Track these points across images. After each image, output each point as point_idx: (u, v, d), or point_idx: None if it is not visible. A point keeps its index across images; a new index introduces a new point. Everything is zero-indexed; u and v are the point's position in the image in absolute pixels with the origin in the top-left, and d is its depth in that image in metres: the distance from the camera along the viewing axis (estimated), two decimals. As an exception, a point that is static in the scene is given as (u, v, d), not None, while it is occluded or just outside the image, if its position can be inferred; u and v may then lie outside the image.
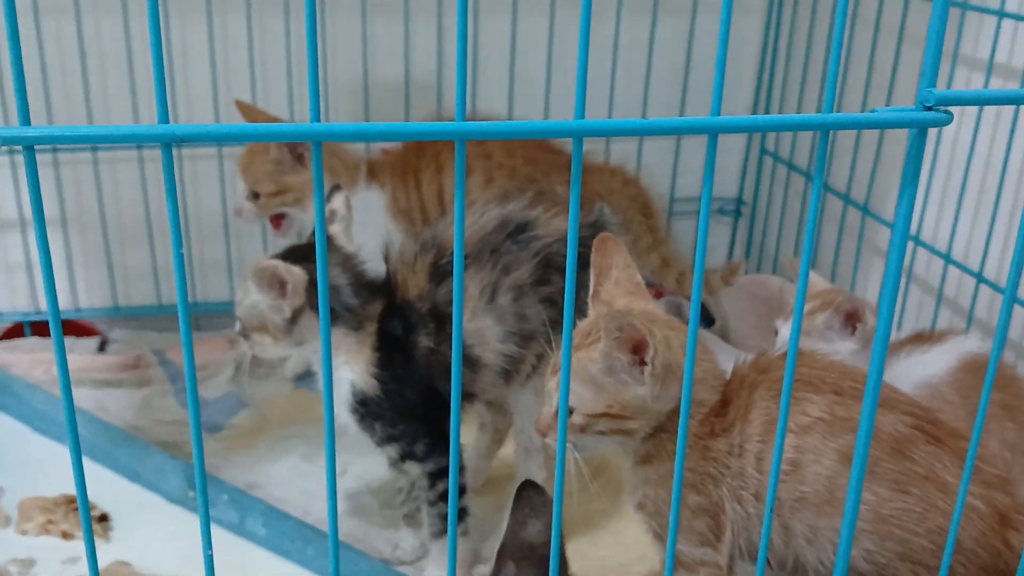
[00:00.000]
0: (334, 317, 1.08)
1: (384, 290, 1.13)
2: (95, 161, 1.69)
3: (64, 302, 1.76)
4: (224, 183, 1.72)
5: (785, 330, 1.37)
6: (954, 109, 0.58)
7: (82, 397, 1.52)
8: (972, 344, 1.28)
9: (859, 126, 0.59)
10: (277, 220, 1.56)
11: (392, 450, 1.14)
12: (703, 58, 1.84)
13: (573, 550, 0.93)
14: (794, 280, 1.58)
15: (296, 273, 1.03)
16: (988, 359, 1.23)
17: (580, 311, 1.19)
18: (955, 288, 1.47)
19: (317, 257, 0.54)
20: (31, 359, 1.62)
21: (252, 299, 1.06)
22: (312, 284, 1.05)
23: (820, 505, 0.90)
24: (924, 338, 1.33)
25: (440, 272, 1.12)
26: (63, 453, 1.42)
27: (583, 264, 1.18)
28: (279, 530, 1.23)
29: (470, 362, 1.13)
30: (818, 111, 1.72)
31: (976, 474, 0.87)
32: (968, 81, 1.44)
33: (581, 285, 1.18)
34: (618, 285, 1.00)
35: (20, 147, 0.50)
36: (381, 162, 1.55)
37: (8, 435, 1.45)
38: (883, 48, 1.57)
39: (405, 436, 1.13)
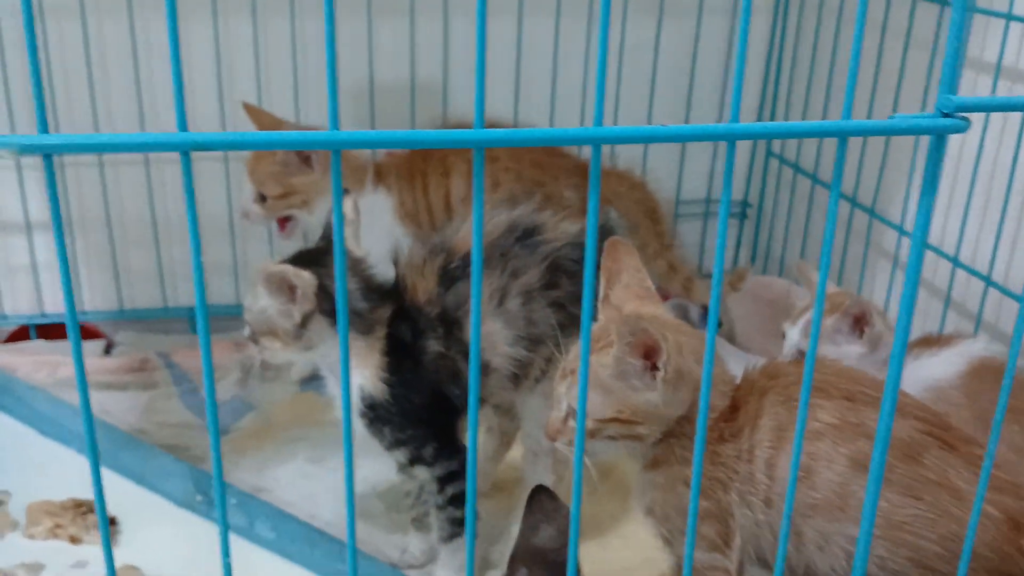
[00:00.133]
0: (343, 321, 1.08)
1: (393, 294, 1.12)
2: (100, 164, 1.69)
3: (69, 305, 1.76)
4: (230, 185, 1.72)
5: (793, 333, 1.36)
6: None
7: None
8: (980, 347, 1.28)
9: (877, 133, 0.59)
10: (283, 222, 1.56)
11: (401, 454, 1.14)
12: (708, 60, 1.84)
13: (582, 553, 0.93)
14: (800, 282, 1.58)
15: (306, 278, 1.03)
16: (997, 363, 1.24)
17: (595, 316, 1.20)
18: (963, 291, 1.47)
19: (336, 264, 0.54)
20: (35, 362, 1.62)
21: (261, 304, 1.06)
22: (321, 289, 1.05)
23: (832, 511, 0.89)
24: (932, 341, 1.33)
25: (449, 276, 1.12)
26: (68, 456, 1.43)
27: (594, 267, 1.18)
28: (287, 533, 1.23)
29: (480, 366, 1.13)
30: (824, 114, 1.73)
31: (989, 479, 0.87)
32: (975, 84, 1.44)
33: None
34: (628, 289, 1.00)
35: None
36: (388, 165, 1.55)
37: (13, 438, 1.45)
38: (889, 50, 1.57)
39: (414, 440, 1.12)
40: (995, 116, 1.39)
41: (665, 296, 1.71)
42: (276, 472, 1.41)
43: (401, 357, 1.11)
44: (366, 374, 1.10)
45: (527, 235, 1.16)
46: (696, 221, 1.94)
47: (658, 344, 0.88)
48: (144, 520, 1.28)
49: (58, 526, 1.25)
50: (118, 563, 1.19)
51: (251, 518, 1.26)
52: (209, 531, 1.28)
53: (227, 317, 1.80)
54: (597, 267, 1.17)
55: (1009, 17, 1.34)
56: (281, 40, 1.67)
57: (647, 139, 0.55)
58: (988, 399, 1.21)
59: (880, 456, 0.67)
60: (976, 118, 1.42)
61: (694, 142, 1.83)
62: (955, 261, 1.45)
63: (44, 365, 1.59)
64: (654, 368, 0.90)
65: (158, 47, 1.64)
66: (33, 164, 1.68)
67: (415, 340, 1.11)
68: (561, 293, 1.16)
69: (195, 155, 1.65)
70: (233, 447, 1.46)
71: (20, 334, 1.78)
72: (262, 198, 1.47)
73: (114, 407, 1.52)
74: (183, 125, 0.50)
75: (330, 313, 1.07)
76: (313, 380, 1.61)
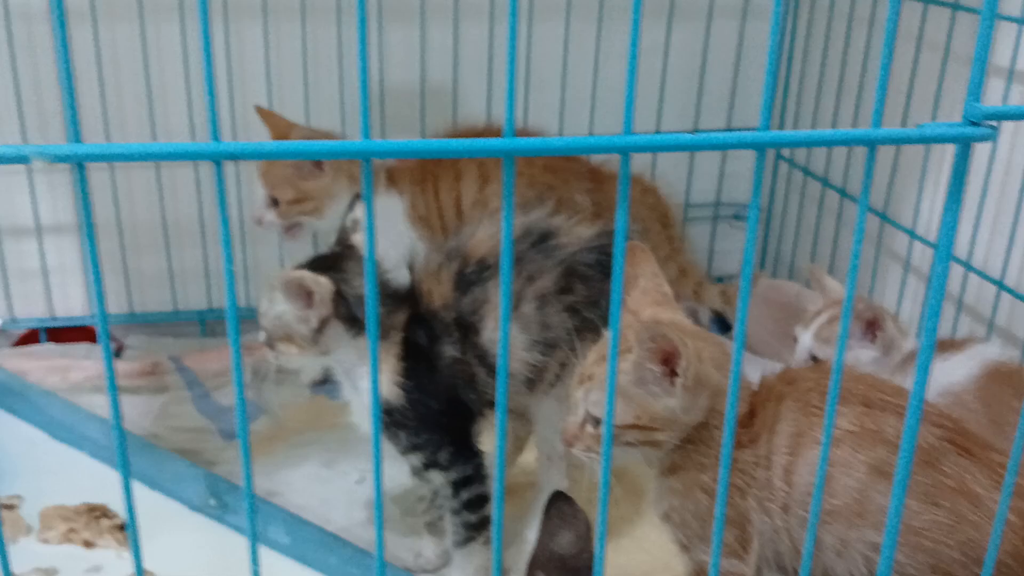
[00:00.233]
0: (359, 326, 1.08)
1: (409, 299, 1.12)
2: (111, 167, 1.69)
3: (80, 308, 1.76)
4: (240, 189, 1.72)
5: (806, 337, 1.36)
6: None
7: (99, 404, 1.52)
8: (993, 352, 1.28)
9: (905, 141, 0.59)
10: (289, 225, 1.55)
11: (416, 459, 1.14)
12: (718, 64, 1.84)
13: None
14: (811, 285, 1.58)
15: (323, 283, 1.03)
16: (1010, 367, 1.24)
17: (605, 320, 1.20)
18: (975, 295, 1.47)
19: (366, 274, 0.54)
20: (47, 366, 1.62)
21: (279, 309, 1.06)
22: (338, 294, 1.05)
23: (850, 517, 0.89)
24: (944, 346, 1.33)
25: (465, 281, 1.12)
26: (81, 460, 1.43)
27: (608, 272, 1.18)
28: (302, 538, 1.23)
29: (495, 371, 1.13)
30: (835, 116, 1.73)
31: (1007, 485, 0.87)
32: (986, 88, 1.44)
33: (604, 293, 1.19)
34: (646, 295, 1.00)
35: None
36: (399, 169, 1.55)
37: (26, 443, 1.45)
38: (902, 55, 1.56)
39: (429, 445, 1.13)
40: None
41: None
42: (289, 476, 1.41)
43: (417, 362, 1.11)
44: (382, 379, 1.10)
45: (542, 240, 1.16)
46: (705, 224, 1.94)
47: (678, 350, 0.88)
48: (158, 525, 1.28)
49: (72, 530, 1.25)
50: (132, 568, 1.19)
51: (265, 523, 1.26)
52: (223, 535, 1.28)
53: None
54: (608, 270, 1.19)
55: (1023, 22, 1.34)
56: (292, 44, 1.67)
57: (678, 148, 0.55)
58: (1002, 403, 1.21)
59: (905, 464, 0.67)
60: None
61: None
62: (967, 265, 1.45)
63: (56, 369, 1.59)
64: (673, 374, 0.90)
65: (168, 51, 1.64)
66: (42, 168, 1.68)
67: (431, 345, 1.11)
68: (576, 298, 1.16)
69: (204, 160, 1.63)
70: (246, 451, 1.46)
71: (30, 337, 1.78)
72: (274, 202, 1.47)
73: (127, 411, 1.52)
74: (216, 135, 0.50)
75: (346, 318, 1.07)
76: (324, 383, 1.62)
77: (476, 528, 1.17)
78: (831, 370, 0.96)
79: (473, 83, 1.75)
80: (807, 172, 1.82)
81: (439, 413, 1.12)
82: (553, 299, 1.15)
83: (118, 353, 1.75)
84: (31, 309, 1.76)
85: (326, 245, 1.24)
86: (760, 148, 0.56)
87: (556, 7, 1.74)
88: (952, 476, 0.90)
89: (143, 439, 1.41)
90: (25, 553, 1.23)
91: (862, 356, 1.32)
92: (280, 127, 1.48)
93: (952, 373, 1.27)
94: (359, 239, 1.15)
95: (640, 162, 1.76)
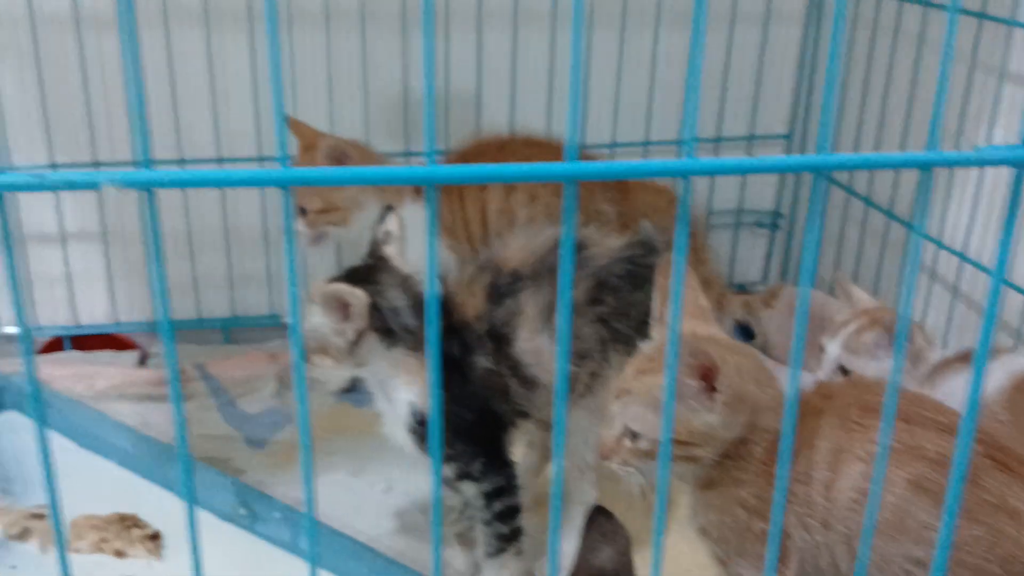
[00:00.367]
0: (394, 338, 1.08)
1: (442, 311, 1.13)
2: (136, 175, 1.69)
3: (104, 316, 1.77)
4: (264, 196, 1.72)
5: (833, 347, 1.36)
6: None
7: (125, 412, 1.52)
8: (1022, 362, 1.27)
9: (963, 164, 0.59)
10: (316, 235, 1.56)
11: (449, 470, 1.14)
12: (739, 70, 1.84)
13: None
14: (835, 294, 1.57)
15: (360, 296, 1.03)
16: (1040, 378, 1.23)
17: (635, 331, 1.20)
18: (1001, 304, 1.46)
19: (428, 298, 0.54)
20: (73, 374, 1.62)
21: (314, 322, 1.06)
22: (373, 306, 1.06)
23: (891, 533, 0.89)
24: (972, 356, 1.33)
25: (498, 293, 1.12)
26: (109, 469, 1.43)
27: (639, 282, 1.18)
28: (332, 548, 1.23)
29: (527, 382, 1.14)
30: (859, 127, 1.72)
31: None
32: (1012, 98, 1.44)
33: (634, 304, 1.19)
34: (683, 309, 1.00)
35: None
36: (425, 178, 1.55)
37: (55, 452, 1.44)
38: (928, 67, 1.56)
39: (463, 456, 1.13)
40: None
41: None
42: (318, 485, 1.40)
43: (450, 373, 1.11)
44: (416, 390, 1.10)
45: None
46: (727, 231, 1.93)
47: (717, 366, 0.88)
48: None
49: (103, 540, 1.26)
50: (166, 578, 1.20)
51: (296, 532, 1.26)
52: (253, 544, 1.29)
53: (261, 328, 1.81)
54: (639, 279, 1.19)
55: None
56: (315, 51, 1.67)
57: (739, 171, 0.55)
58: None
59: (957, 482, 0.67)
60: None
61: (726, 150, 1.85)
62: (995, 274, 1.45)
63: (82, 377, 1.60)
64: (712, 390, 0.90)
65: (193, 62, 1.64)
66: (115, 194, 1.68)
67: (464, 356, 1.12)
68: (606, 308, 1.17)
69: (229, 168, 1.64)
70: (273, 460, 1.46)
71: (54, 345, 1.79)
72: (302, 211, 1.48)
73: (154, 419, 1.52)
74: (284, 159, 0.50)
75: (382, 330, 1.07)
76: (349, 391, 1.62)
77: (508, 539, 1.17)
78: (869, 385, 0.97)
79: (496, 91, 1.75)
80: (832, 180, 1.81)
81: (472, 424, 1.12)
82: (584, 310, 1.15)
83: (143, 361, 1.75)
84: (55, 316, 1.77)
85: (353, 254, 1.24)
86: (821, 171, 0.56)
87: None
88: (992, 492, 0.89)
89: (172, 447, 1.41)
90: (55, 563, 1.23)
91: (890, 367, 1.32)
92: (308, 136, 1.49)
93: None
94: (391, 250, 1.16)
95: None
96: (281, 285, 1.80)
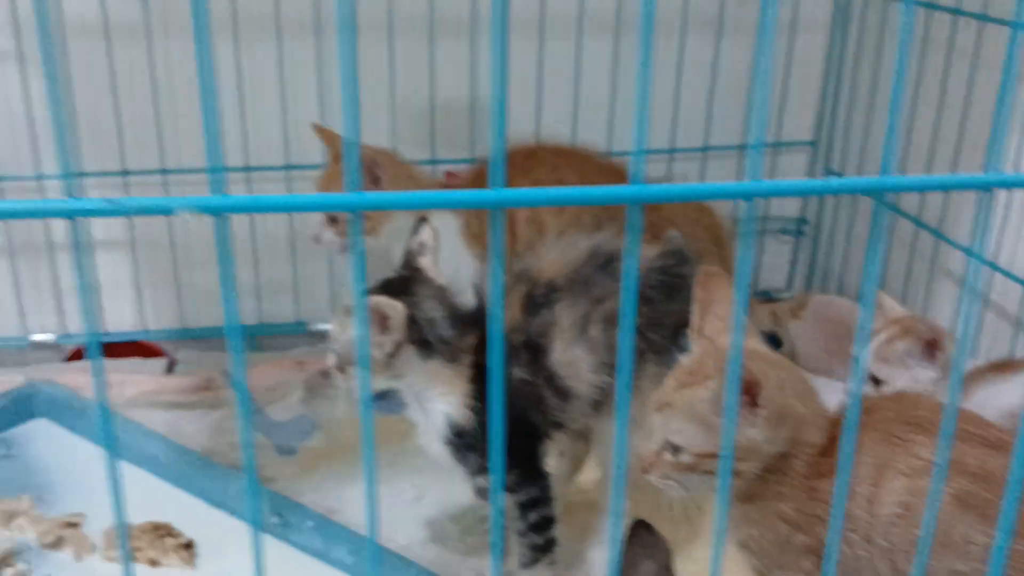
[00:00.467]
0: (430, 350, 1.09)
1: (478, 322, 1.13)
2: (164, 183, 1.70)
3: (131, 323, 1.78)
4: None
5: (863, 356, 1.36)
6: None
7: (155, 420, 1.53)
8: (1055, 371, 1.27)
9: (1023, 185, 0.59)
10: (348, 244, 1.56)
11: (485, 480, 1.14)
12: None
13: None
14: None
15: (399, 308, 1.04)
16: (1074, 389, 1.23)
17: (669, 341, 1.20)
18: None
19: (493, 321, 0.54)
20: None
21: (352, 334, 1.07)
22: (411, 318, 1.06)
23: (935, 548, 0.89)
24: (1004, 366, 1.33)
25: (534, 304, 1.13)
26: (141, 477, 1.43)
27: (672, 292, 1.18)
28: (366, 558, 1.24)
29: (562, 392, 1.14)
30: (888, 133, 1.72)
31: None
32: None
33: (667, 314, 1.19)
34: (721, 321, 1.00)
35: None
36: (453, 186, 1.56)
37: (85, 460, 1.46)
38: (955, 75, 1.56)
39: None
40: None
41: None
42: (347, 493, 1.41)
43: (487, 385, 1.11)
44: (453, 402, 1.11)
45: (608, 262, 1.16)
46: (752, 238, 1.93)
47: (759, 381, 0.88)
48: (222, 543, 1.29)
49: (137, 549, 1.26)
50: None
51: (328, 542, 1.26)
52: (286, 553, 1.29)
53: (286, 335, 1.82)
54: (671, 290, 1.19)
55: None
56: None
57: (800, 193, 0.55)
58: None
59: (1013, 501, 0.67)
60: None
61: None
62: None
63: (111, 384, 1.61)
64: (754, 404, 0.90)
65: (222, 71, 1.65)
66: (94, 184, 1.69)
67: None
68: (640, 319, 1.16)
69: (256, 176, 1.64)
70: (303, 467, 1.47)
71: (81, 353, 1.79)
72: (333, 220, 1.48)
73: (183, 427, 1.53)
74: (355, 184, 0.51)
75: (419, 342, 1.08)
76: (378, 399, 1.62)
77: (542, 550, 1.18)
78: (911, 399, 0.97)
79: (522, 99, 1.75)
80: (883, 203, 1.81)
81: (508, 435, 1.12)
82: (619, 321, 1.15)
83: (170, 368, 1.76)
84: (83, 324, 1.77)
85: (388, 265, 1.24)
86: (878, 193, 0.56)
87: (605, 23, 1.74)
88: (1034, 506, 0.89)
89: (205, 457, 1.42)
90: (90, 572, 1.24)
91: (921, 376, 1.32)
92: (338, 144, 1.49)
93: (1013, 394, 1.27)
94: (426, 262, 1.16)
95: (687, 172, 1.76)
96: (308, 293, 1.81)
